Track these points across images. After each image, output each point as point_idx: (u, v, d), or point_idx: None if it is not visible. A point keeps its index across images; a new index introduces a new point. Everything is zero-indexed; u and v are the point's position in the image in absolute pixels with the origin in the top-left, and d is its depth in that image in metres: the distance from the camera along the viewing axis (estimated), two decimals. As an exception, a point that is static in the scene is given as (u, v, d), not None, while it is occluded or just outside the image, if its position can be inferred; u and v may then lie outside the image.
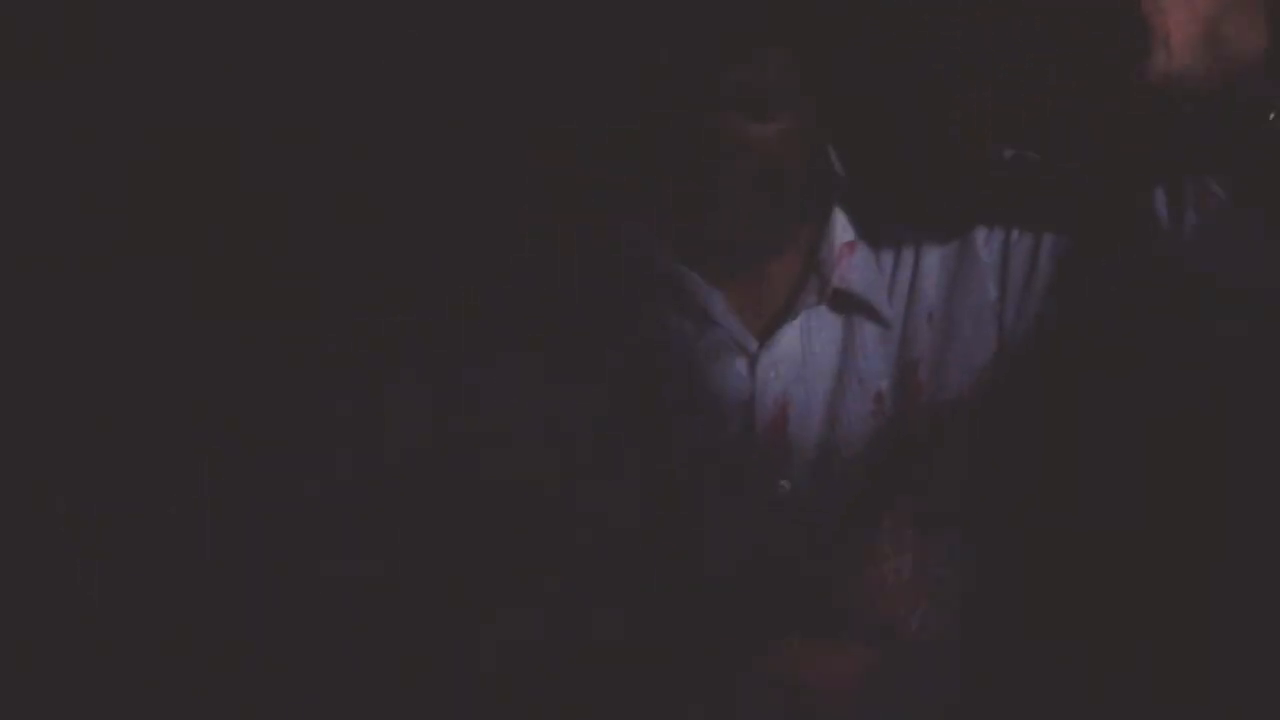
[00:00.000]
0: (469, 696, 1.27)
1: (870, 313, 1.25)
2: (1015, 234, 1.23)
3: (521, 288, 1.26)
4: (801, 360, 1.24)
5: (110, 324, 1.53)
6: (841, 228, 1.24)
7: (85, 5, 1.53)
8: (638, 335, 1.24)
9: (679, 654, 1.25)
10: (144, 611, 1.41)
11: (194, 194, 1.55)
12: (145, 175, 1.53)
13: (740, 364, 1.24)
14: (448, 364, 1.27)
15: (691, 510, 1.24)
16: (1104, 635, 1.22)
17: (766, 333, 1.25)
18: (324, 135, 1.48)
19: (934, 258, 1.24)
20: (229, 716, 1.36)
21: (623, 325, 1.24)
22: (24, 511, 1.45)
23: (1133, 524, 1.22)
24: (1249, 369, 1.18)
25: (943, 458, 1.24)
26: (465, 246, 1.30)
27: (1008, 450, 1.25)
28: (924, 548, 1.24)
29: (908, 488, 1.24)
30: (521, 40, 1.30)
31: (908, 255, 1.25)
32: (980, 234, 1.24)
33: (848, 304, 1.25)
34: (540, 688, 1.25)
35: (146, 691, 1.37)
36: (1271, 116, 1.08)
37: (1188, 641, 1.20)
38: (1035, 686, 1.22)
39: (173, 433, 1.49)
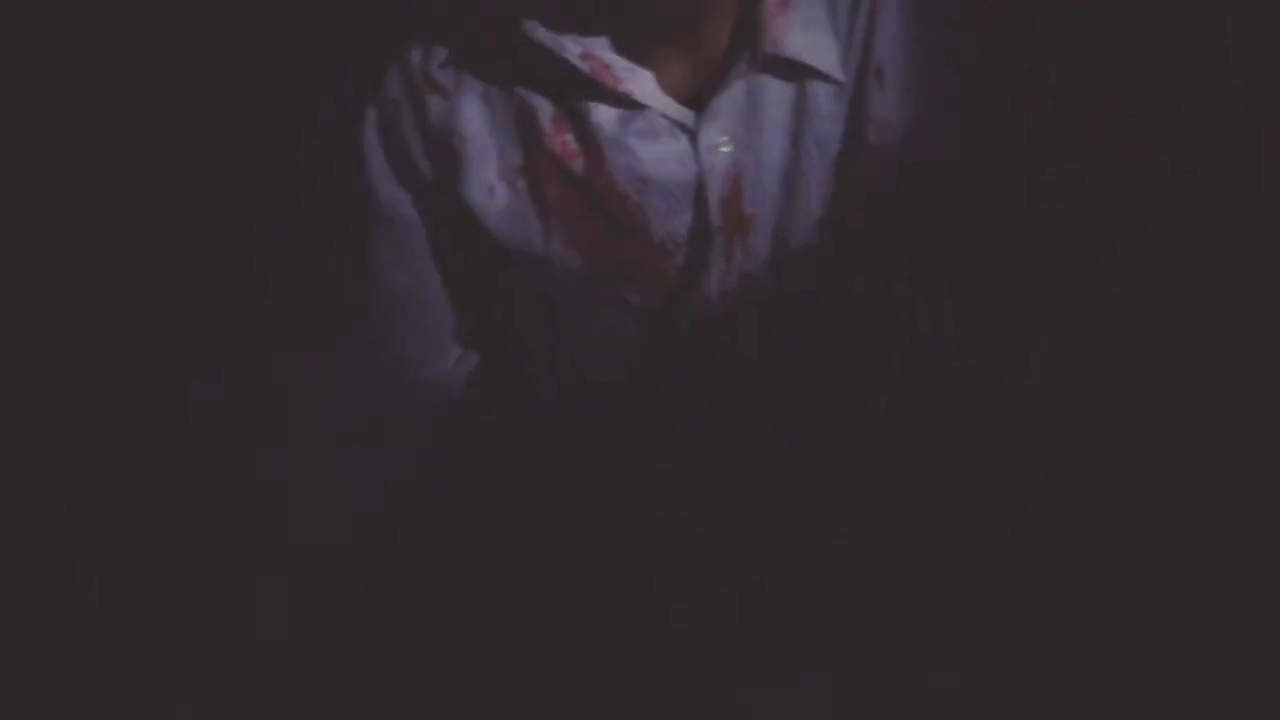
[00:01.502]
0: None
1: (816, 74, 1.15)
2: None
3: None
4: (748, 127, 1.16)
5: (110, 324, 1.53)
6: None
7: (85, 5, 1.53)
8: (564, 135, 1.18)
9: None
10: (143, 611, 1.41)
11: (194, 194, 1.55)
12: (145, 175, 1.53)
13: (681, 142, 1.16)
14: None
15: (651, 306, 1.20)
16: (1104, 634, 1.22)
17: (703, 106, 1.16)
18: (324, 135, 1.48)
19: (891, 10, 1.16)
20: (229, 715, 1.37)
21: (540, 128, 1.18)
22: (24, 512, 1.46)
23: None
24: (1249, 369, 1.18)
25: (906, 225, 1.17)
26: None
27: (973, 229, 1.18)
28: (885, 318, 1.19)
29: (871, 266, 1.18)
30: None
31: (864, 6, 1.16)
32: None
33: (789, 68, 1.15)
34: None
35: (146, 691, 1.38)
36: None
37: (1188, 641, 1.20)
38: (1035, 682, 1.22)
39: (173, 433, 1.50)
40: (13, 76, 1.52)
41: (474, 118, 1.20)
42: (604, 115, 1.17)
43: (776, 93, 1.16)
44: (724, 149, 1.16)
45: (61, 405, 1.50)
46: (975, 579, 1.22)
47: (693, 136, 1.16)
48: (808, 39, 1.15)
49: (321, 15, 1.53)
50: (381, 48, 1.26)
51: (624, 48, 1.16)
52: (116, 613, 1.41)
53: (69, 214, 1.53)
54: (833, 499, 1.22)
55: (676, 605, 1.25)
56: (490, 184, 1.20)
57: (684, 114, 1.16)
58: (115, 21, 1.54)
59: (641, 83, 1.16)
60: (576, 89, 1.16)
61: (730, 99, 1.15)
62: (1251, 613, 1.18)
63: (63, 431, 1.49)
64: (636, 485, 1.26)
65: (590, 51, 1.15)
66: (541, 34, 1.15)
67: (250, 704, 1.35)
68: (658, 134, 1.16)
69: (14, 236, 1.52)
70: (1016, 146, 1.16)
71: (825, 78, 1.16)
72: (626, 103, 1.16)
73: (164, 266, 1.53)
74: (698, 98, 1.17)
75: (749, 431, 1.22)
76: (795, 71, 1.16)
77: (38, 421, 1.49)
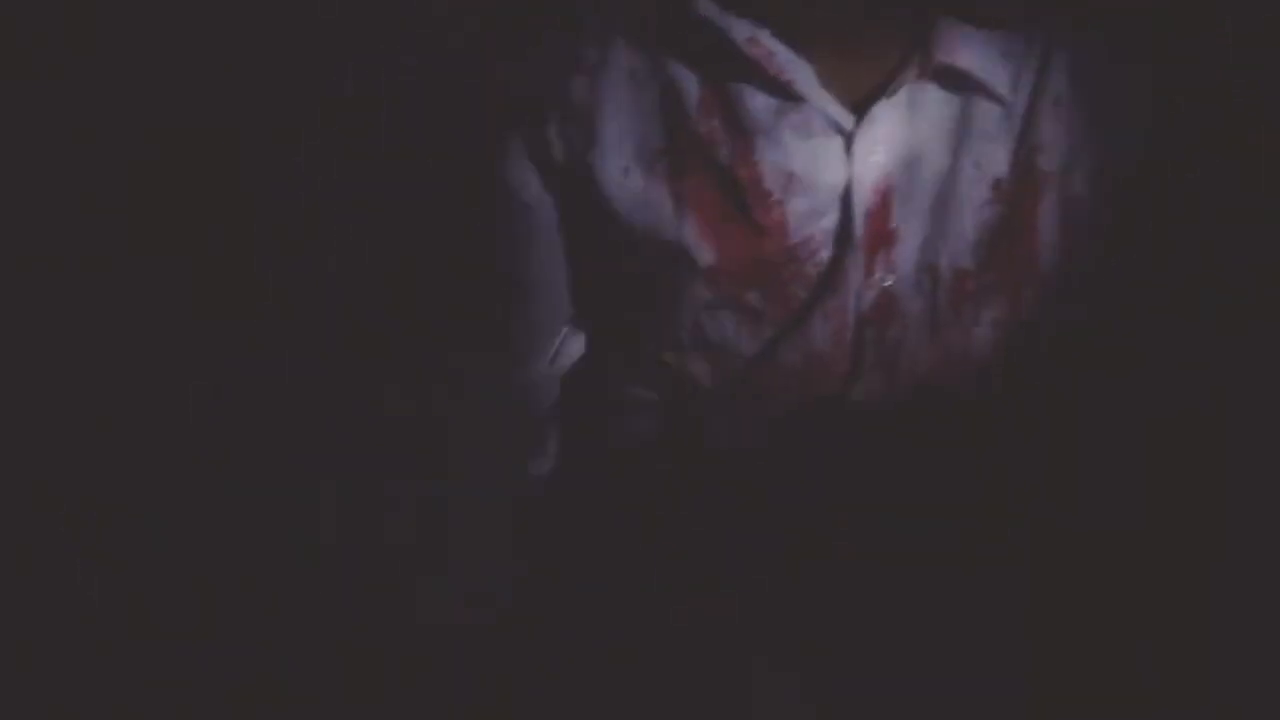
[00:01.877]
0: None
1: (985, 90, 1.11)
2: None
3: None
4: (905, 140, 1.12)
5: (110, 324, 1.53)
6: None
7: (85, 5, 1.53)
8: (718, 116, 1.12)
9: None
10: (143, 611, 1.41)
11: (194, 194, 1.55)
12: (145, 175, 1.53)
13: (835, 144, 1.12)
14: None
15: (782, 310, 1.15)
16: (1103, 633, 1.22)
17: (865, 111, 1.11)
18: (323, 135, 1.48)
19: (1067, 42, 1.11)
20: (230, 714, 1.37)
21: (685, 109, 1.12)
22: (24, 512, 1.46)
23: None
24: (1250, 369, 1.18)
25: (1066, 259, 1.13)
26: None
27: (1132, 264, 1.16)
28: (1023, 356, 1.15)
29: (1022, 288, 1.14)
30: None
31: (1038, 37, 1.11)
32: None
33: (958, 81, 1.11)
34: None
35: (146, 691, 1.38)
36: None
37: (1188, 641, 1.20)
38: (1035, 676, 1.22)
39: (173, 432, 1.50)
40: (13, 76, 1.51)
41: (616, 96, 1.14)
42: (759, 104, 1.11)
43: (940, 106, 1.12)
44: (878, 157, 1.12)
45: (61, 405, 1.50)
46: (975, 579, 1.22)
47: (848, 140, 1.11)
48: (983, 54, 1.11)
49: (321, 15, 1.53)
50: (381, 48, 1.25)
51: (789, 38, 1.10)
52: (116, 613, 1.41)
53: (69, 214, 1.53)
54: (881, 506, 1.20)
55: (676, 605, 1.25)
56: (626, 165, 1.15)
57: (843, 114, 1.11)
58: (115, 21, 1.54)
59: (803, 75, 1.10)
60: (733, 73, 1.12)
61: (892, 106, 1.11)
62: (1252, 613, 1.18)
63: (63, 431, 1.49)
64: (652, 487, 1.26)
65: (756, 37, 1.10)
66: (712, 11, 1.10)
67: (250, 704, 1.35)
68: (812, 131, 1.11)
69: (14, 236, 1.52)
70: (1187, 175, 1.15)
71: (994, 97, 1.12)
72: (785, 93, 1.11)
73: (164, 266, 1.53)
74: (858, 101, 1.12)
75: (841, 454, 1.19)
76: (963, 86, 1.11)
77: (38, 421, 1.49)
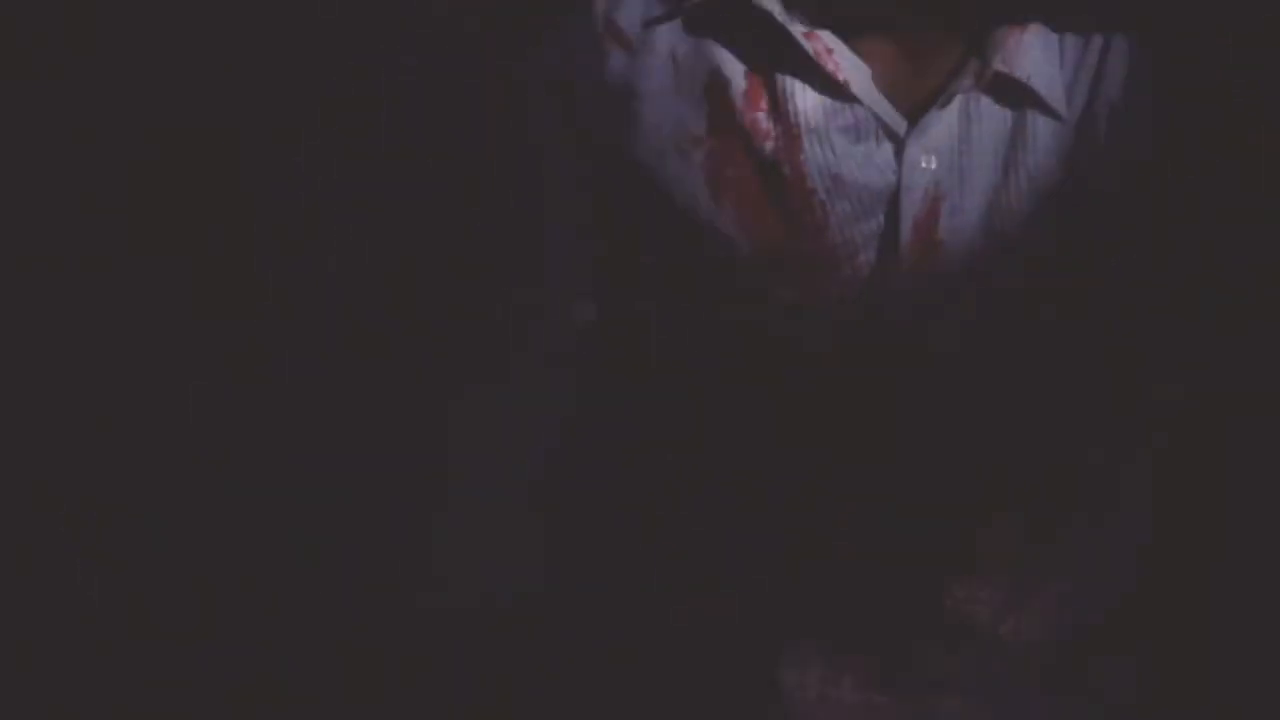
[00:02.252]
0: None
1: (1040, 104, 1.10)
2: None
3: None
4: (958, 149, 1.10)
5: (110, 324, 1.53)
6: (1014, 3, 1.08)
7: (85, 5, 1.53)
8: (765, 109, 1.10)
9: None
10: (143, 611, 1.41)
11: (194, 194, 1.55)
12: (145, 175, 1.53)
13: (885, 149, 1.10)
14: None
15: (819, 317, 1.14)
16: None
17: (917, 116, 1.10)
18: (323, 135, 1.48)
19: (1122, 47, 1.10)
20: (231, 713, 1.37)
21: (730, 99, 1.10)
22: (24, 512, 1.46)
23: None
24: (1249, 369, 1.18)
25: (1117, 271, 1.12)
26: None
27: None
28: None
29: (1068, 306, 1.12)
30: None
31: (1095, 41, 1.10)
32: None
33: (1014, 91, 1.10)
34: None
35: (146, 691, 1.38)
36: None
37: (1187, 641, 1.20)
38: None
39: (172, 432, 1.49)
40: (13, 76, 1.51)
41: (657, 77, 1.13)
42: (810, 101, 1.10)
43: (994, 117, 1.11)
44: (929, 165, 1.10)
45: (61, 405, 1.50)
46: (976, 578, 1.21)
47: (899, 146, 1.10)
48: (1040, 64, 1.10)
49: (322, 15, 1.53)
50: (381, 48, 1.25)
51: (847, 37, 1.10)
52: (117, 613, 1.41)
53: (69, 214, 1.53)
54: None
55: (676, 605, 1.25)
56: (662, 149, 1.13)
57: (896, 119, 1.10)
58: (115, 21, 1.54)
59: (859, 76, 1.09)
60: (785, 66, 1.10)
61: (947, 115, 1.10)
62: (1252, 613, 1.18)
63: (63, 431, 1.49)
64: (661, 486, 1.25)
65: (815, 32, 1.09)
66: (771, 3, 1.09)
67: (250, 704, 1.35)
68: (863, 134, 1.10)
69: (14, 236, 1.52)
70: (1231, 182, 1.12)
71: (1049, 109, 1.11)
72: (839, 92, 1.10)
73: (164, 266, 1.53)
74: (912, 107, 1.11)
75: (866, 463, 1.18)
76: (1019, 97, 1.10)
77: (38, 421, 1.49)
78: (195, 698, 1.36)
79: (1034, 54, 1.09)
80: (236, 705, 1.35)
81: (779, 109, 1.11)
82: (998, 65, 1.09)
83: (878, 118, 1.10)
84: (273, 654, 1.36)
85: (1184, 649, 1.19)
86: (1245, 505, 1.18)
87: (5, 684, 1.38)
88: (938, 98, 1.09)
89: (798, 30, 1.09)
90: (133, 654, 1.39)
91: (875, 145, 1.11)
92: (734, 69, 1.11)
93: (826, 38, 1.09)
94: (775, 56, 1.10)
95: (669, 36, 1.12)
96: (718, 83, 1.11)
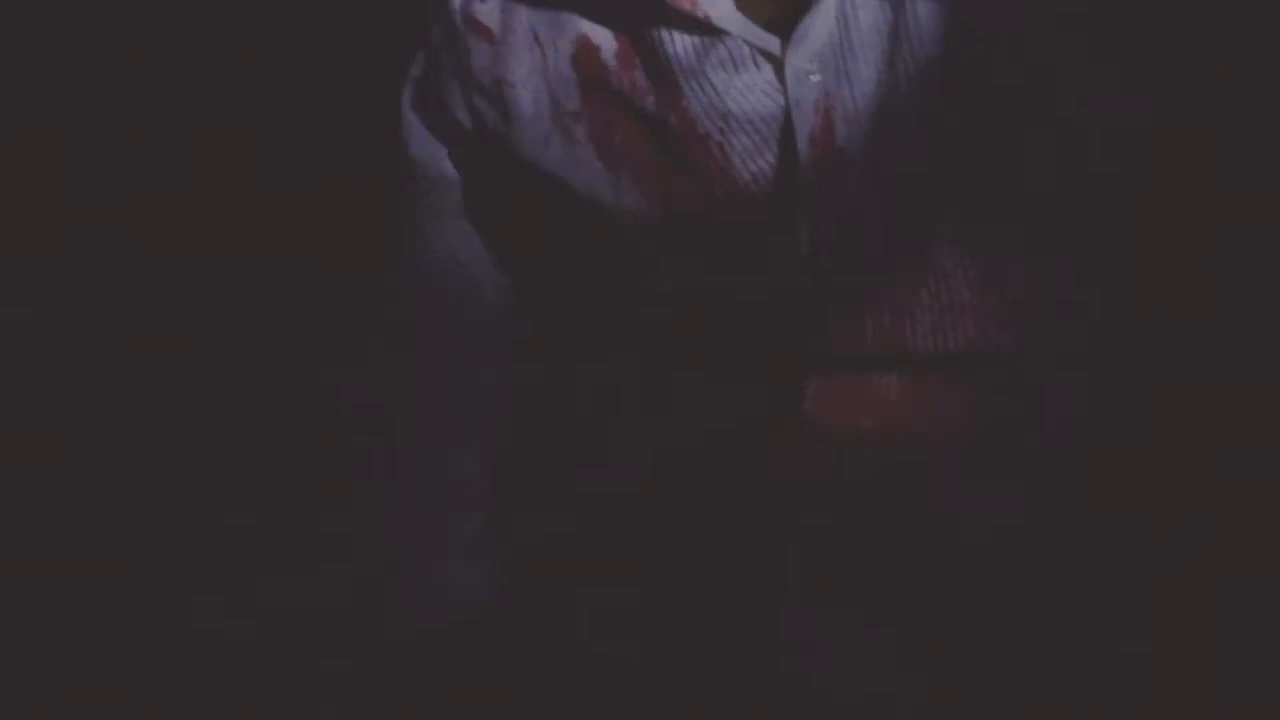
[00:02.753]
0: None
1: None
2: None
3: None
4: (840, 54, 1.06)
5: (113, 324, 1.54)
6: None
7: (85, 5, 1.54)
8: (631, 70, 1.08)
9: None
10: (143, 611, 1.42)
11: (196, 194, 1.55)
12: (145, 175, 1.54)
13: (766, 71, 1.06)
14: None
15: (747, 260, 1.09)
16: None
17: (791, 31, 1.05)
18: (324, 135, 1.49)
19: None
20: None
21: (602, 64, 1.07)
22: (24, 511, 1.46)
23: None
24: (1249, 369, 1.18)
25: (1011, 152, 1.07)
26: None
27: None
28: (987, 261, 1.08)
29: (975, 189, 1.07)
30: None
31: None
32: None
33: None
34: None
35: (148, 691, 1.38)
36: None
37: (1187, 641, 1.20)
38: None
39: (175, 433, 1.50)
40: (13, 76, 1.52)
41: (524, 61, 1.10)
42: (679, 45, 1.06)
43: (871, 12, 1.06)
44: (814, 77, 1.06)
45: (62, 405, 1.51)
46: (975, 579, 1.22)
47: (779, 65, 1.06)
48: None
49: (322, 15, 1.54)
50: (382, 48, 1.25)
51: None
52: (117, 613, 1.41)
53: (69, 214, 1.54)
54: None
55: (676, 605, 1.25)
56: (545, 133, 1.10)
57: (768, 40, 1.05)
58: (117, 21, 1.55)
59: (721, 6, 1.05)
60: (646, 18, 1.07)
61: (820, 21, 1.05)
62: (1252, 613, 1.18)
63: (63, 431, 1.49)
64: (656, 484, 1.24)
65: None
66: None
67: (251, 704, 1.36)
68: (740, 63, 1.06)
69: (14, 236, 1.53)
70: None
71: None
72: (705, 29, 1.05)
73: (164, 266, 1.53)
74: (783, 22, 1.06)
75: (817, 405, 1.12)
76: None
77: (38, 421, 1.50)
78: (196, 698, 1.36)
79: None
80: (237, 705, 1.36)
81: (652, 62, 1.07)
82: None
83: (749, 43, 1.06)
84: (271, 654, 1.36)
85: (1184, 649, 1.20)
86: (1246, 505, 1.18)
87: (5, 684, 1.38)
88: (807, 6, 1.05)
89: None
90: (133, 654, 1.40)
91: (756, 71, 1.07)
92: (600, 33, 1.08)
93: None
94: (635, 11, 1.06)
95: (528, 17, 1.10)
96: (585, 50, 1.08)
